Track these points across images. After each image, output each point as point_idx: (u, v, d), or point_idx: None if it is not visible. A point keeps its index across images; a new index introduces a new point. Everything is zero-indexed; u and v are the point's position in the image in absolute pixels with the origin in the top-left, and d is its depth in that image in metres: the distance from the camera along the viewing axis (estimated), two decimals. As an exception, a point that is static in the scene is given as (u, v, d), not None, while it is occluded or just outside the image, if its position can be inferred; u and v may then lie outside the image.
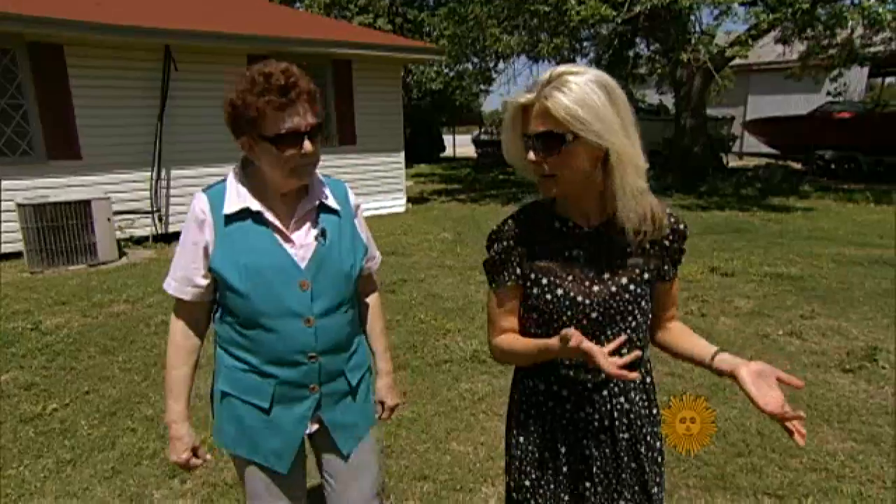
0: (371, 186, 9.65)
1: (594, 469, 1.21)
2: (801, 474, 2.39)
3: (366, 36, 10.06)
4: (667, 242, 1.16)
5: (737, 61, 12.50)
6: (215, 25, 7.82)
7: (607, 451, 1.21)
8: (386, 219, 9.13)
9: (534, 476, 1.25)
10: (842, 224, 7.76)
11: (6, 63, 6.39)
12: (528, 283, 1.18)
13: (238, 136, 1.24)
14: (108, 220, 6.58)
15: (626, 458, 1.21)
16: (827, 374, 3.32)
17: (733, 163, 16.09)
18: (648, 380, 1.25)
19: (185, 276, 1.29)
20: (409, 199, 10.51)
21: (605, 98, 1.01)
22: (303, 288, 1.27)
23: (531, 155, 1.07)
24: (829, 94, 14.48)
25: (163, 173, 7.74)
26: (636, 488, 1.23)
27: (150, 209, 7.69)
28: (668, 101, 14.95)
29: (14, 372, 3.49)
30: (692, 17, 10.64)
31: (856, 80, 17.63)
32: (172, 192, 7.89)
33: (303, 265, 1.28)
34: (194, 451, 1.37)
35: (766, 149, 16.94)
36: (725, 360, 1.10)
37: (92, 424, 2.88)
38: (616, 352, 1.08)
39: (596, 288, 1.13)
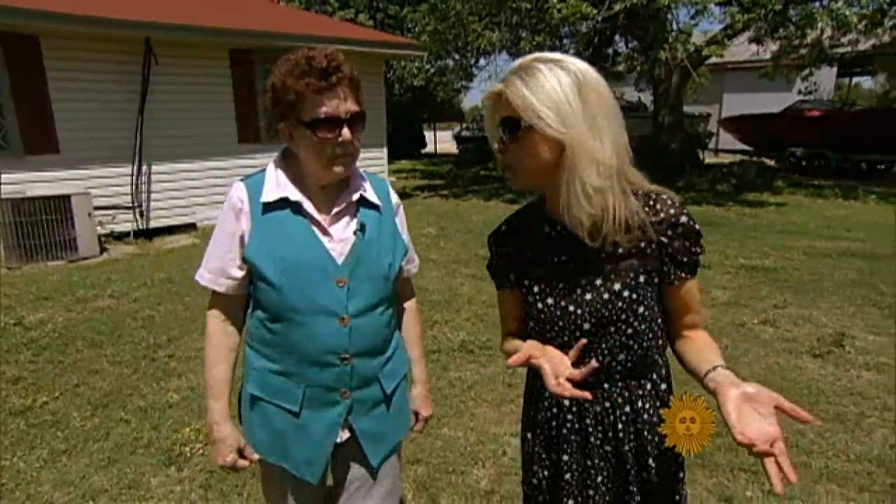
0: (354, 182, 9.66)
1: (598, 479, 1.15)
2: (773, 451, 2.52)
3: (347, 31, 10.06)
4: (664, 239, 1.05)
5: (712, 60, 12.81)
6: (197, 19, 7.75)
7: (612, 461, 1.15)
8: (369, 214, 9.15)
9: (541, 475, 1.22)
10: (812, 218, 8.04)
11: (-20, 55, 6.26)
12: (524, 291, 1.15)
13: (278, 121, 1.19)
14: (89, 215, 6.50)
15: (633, 471, 1.13)
16: (798, 360, 3.49)
17: (709, 159, 16.46)
18: (664, 387, 1.16)
19: (220, 266, 1.25)
20: (392, 195, 10.54)
21: (570, 87, 0.96)
22: (339, 285, 1.22)
23: (496, 144, 1.04)
24: (800, 92, 14.92)
25: (143, 168, 7.65)
26: (646, 501, 1.15)
27: (130, 204, 7.61)
28: (647, 98, 15.23)
29: (1, 366, 3.47)
30: (669, 16, 10.89)
31: (825, 79, 18.17)
32: (153, 187, 7.81)
33: (340, 260, 1.22)
34: (240, 452, 1.30)
35: (741, 145, 17.35)
36: (715, 378, 0.99)
37: (84, 416, 2.89)
38: (611, 359, 1.07)
39: (588, 296, 1.07)
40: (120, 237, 7.47)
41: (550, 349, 1.05)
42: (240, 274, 1.25)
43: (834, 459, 2.46)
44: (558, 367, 1.00)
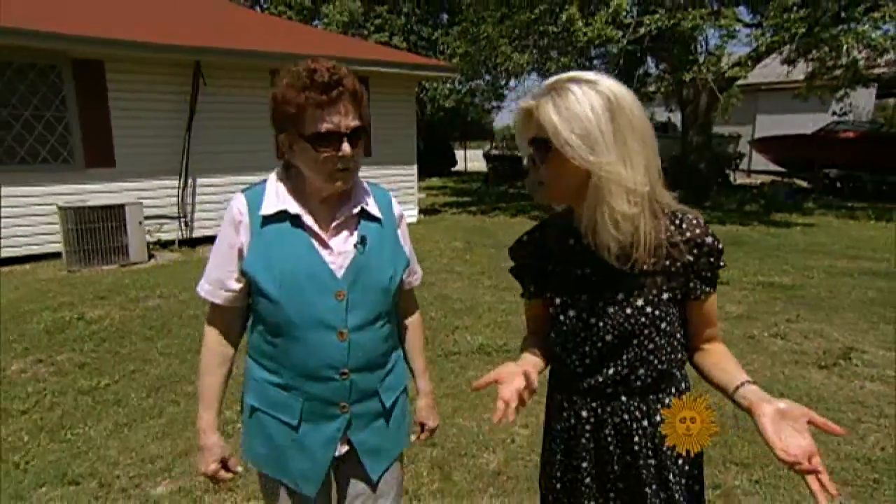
0: (385, 197, 10.06)
1: (620, 485, 1.14)
2: (766, 449, 2.68)
3: (382, 53, 10.56)
4: (690, 258, 1.05)
5: (745, 81, 12.87)
6: (242, 43, 8.34)
7: (631, 476, 1.13)
8: (399, 228, 9.51)
9: (559, 486, 1.21)
10: (839, 239, 8.02)
11: (53, 78, 6.91)
12: (545, 301, 1.15)
13: (278, 132, 1.19)
14: (140, 223, 7.04)
15: (652, 488, 1.11)
16: (804, 370, 3.62)
17: (741, 180, 16.38)
18: None
19: (218, 278, 1.25)
20: (421, 211, 10.91)
21: (603, 111, 0.95)
22: (338, 298, 1.21)
23: (525, 160, 1.07)
24: (834, 113, 14.78)
25: (189, 181, 8.19)
26: None
27: (176, 215, 8.15)
28: (677, 118, 15.33)
29: (68, 353, 3.89)
30: (699, 39, 11.07)
31: (864, 100, 17.91)
32: (198, 199, 8.34)
33: (339, 274, 1.21)
34: (224, 463, 1.30)
35: (774, 167, 17.20)
36: (747, 395, 0.98)
37: (140, 397, 3.26)
38: (630, 372, 1.09)
39: (610, 309, 1.07)
40: (166, 245, 8.00)
41: (517, 372, 1.04)
42: (237, 286, 1.24)
43: (824, 458, 2.60)
44: (514, 389, 0.99)
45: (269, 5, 20.18)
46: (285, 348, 1.22)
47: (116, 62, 7.28)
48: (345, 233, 1.24)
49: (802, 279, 5.81)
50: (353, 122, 1.15)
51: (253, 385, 1.30)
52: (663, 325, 1.07)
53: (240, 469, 1.34)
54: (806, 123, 16.60)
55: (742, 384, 1.01)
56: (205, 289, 1.27)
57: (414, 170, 10.51)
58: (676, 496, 1.11)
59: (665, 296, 1.06)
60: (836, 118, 15.12)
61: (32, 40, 6.47)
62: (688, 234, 1.05)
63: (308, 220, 1.21)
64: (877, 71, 12.36)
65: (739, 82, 12.36)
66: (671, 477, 1.10)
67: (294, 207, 1.20)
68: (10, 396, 3.24)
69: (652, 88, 14.20)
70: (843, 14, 7.99)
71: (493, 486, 2.47)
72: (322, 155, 1.13)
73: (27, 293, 5.49)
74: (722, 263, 1.08)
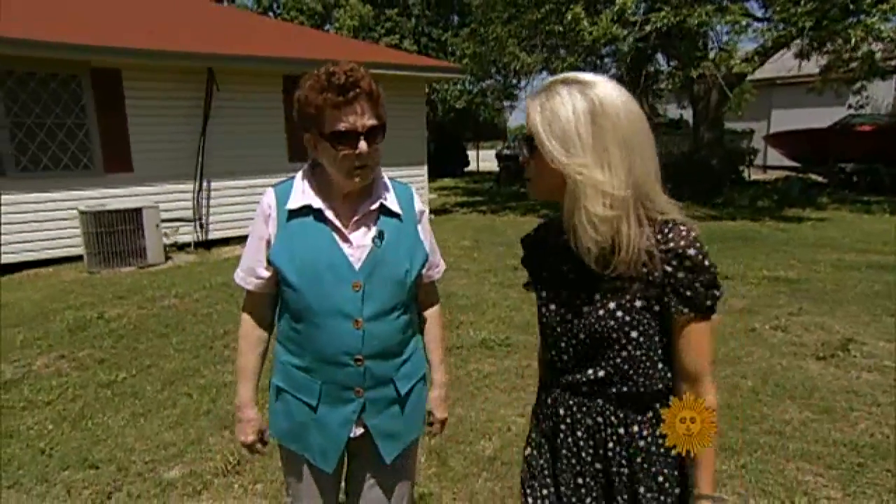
0: (395, 197, 10.21)
1: (588, 501, 1.15)
2: (756, 436, 2.76)
3: (392, 57, 10.70)
4: (668, 268, 1.02)
5: (759, 75, 12.74)
6: (254, 49, 8.54)
7: (602, 481, 1.13)
8: (409, 228, 9.65)
9: (542, 493, 1.22)
10: (849, 233, 7.97)
11: (73, 87, 7.17)
12: (536, 293, 1.20)
13: (304, 132, 1.28)
14: (157, 226, 7.26)
15: (623, 497, 1.10)
16: (801, 361, 3.66)
17: (756, 175, 16.23)
18: None
19: (250, 267, 1.36)
20: (431, 211, 11.03)
21: (584, 115, 0.97)
22: (355, 289, 1.28)
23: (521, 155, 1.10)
24: (850, 107, 14.58)
25: (204, 185, 8.41)
26: None
27: (192, 217, 8.37)
28: (689, 115, 15.24)
29: (89, 350, 4.09)
30: (710, 34, 11.03)
31: (883, 92, 17.62)
32: (212, 202, 8.56)
33: (357, 266, 1.28)
34: (261, 435, 1.44)
35: (790, 162, 17.00)
36: None
37: (156, 389, 3.43)
38: (606, 377, 1.08)
39: (585, 308, 1.08)
40: (182, 247, 8.22)
41: None
42: (266, 274, 1.35)
43: (812, 444, 2.67)
44: None
45: (281, 11, 20.50)
46: (307, 334, 1.31)
47: (133, 70, 7.52)
48: (364, 227, 1.32)
49: (808, 273, 5.81)
50: (370, 122, 1.22)
51: (279, 367, 1.40)
52: (633, 334, 1.06)
53: (272, 441, 1.46)
54: (823, 117, 16.37)
55: (699, 498, 1.06)
56: (239, 276, 1.40)
57: (424, 170, 10.63)
58: None
59: (638, 303, 1.05)
60: (851, 111, 14.91)
61: (56, 52, 6.73)
62: (671, 245, 1.02)
63: (330, 214, 1.29)
64: (895, 63, 12.18)
65: (754, 77, 12.26)
66: (641, 489, 1.08)
67: (317, 202, 1.29)
68: (35, 389, 3.43)
69: (662, 85, 14.15)
70: (851, 6, 7.92)
71: (487, 470, 2.57)
72: (341, 153, 1.21)
73: (50, 294, 5.73)
74: (715, 290, 1.03)
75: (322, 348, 1.30)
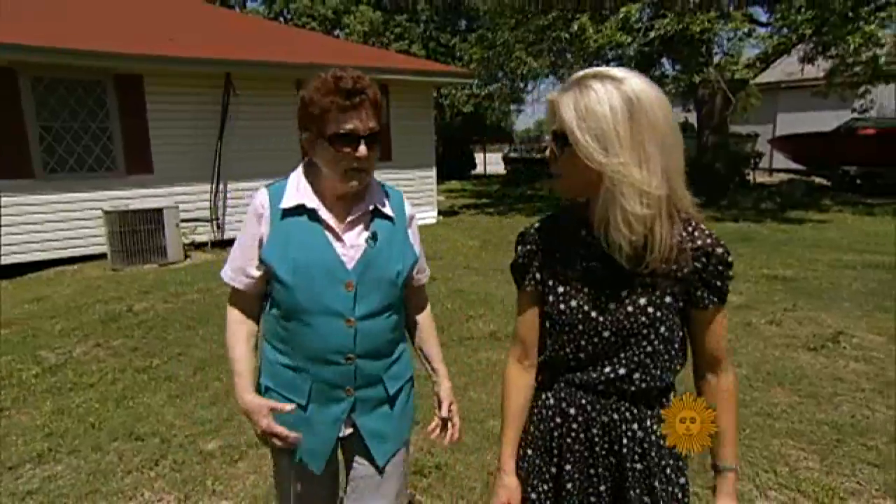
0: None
1: (602, 488, 1.15)
2: (746, 417, 2.98)
3: (401, 62, 10.99)
4: (698, 265, 1.05)
5: (764, 79, 12.89)
6: (269, 55, 8.84)
7: (616, 479, 1.14)
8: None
9: (541, 490, 1.21)
10: (848, 234, 8.15)
11: (98, 93, 7.48)
12: (547, 290, 1.15)
13: (303, 131, 1.29)
14: (177, 225, 7.56)
15: (636, 491, 1.12)
16: (793, 353, 3.88)
17: (761, 178, 16.38)
18: None
19: (240, 266, 1.36)
20: (439, 212, 11.28)
21: (622, 111, 0.95)
22: (347, 288, 1.30)
23: (547, 150, 1.08)
24: (854, 110, 14.73)
25: (221, 186, 8.71)
26: None
27: (209, 217, 8.67)
28: (694, 118, 15.43)
29: (122, 339, 4.37)
30: (714, 40, 11.24)
31: (888, 96, 17.73)
32: (229, 202, 8.85)
33: (350, 266, 1.30)
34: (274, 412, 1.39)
35: (795, 165, 17.14)
36: (719, 484, 1.13)
37: (188, 374, 3.70)
38: (626, 373, 1.09)
39: (611, 305, 1.07)
40: (199, 246, 8.51)
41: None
42: (257, 274, 1.35)
43: (797, 423, 2.90)
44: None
45: (292, 16, 20.87)
46: (296, 332, 1.32)
47: (154, 76, 7.84)
48: (358, 228, 1.34)
49: (805, 272, 6.01)
50: (372, 125, 1.26)
51: (266, 366, 1.41)
52: (662, 329, 1.07)
53: (289, 407, 1.36)
54: (829, 121, 16.49)
55: (723, 470, 1.12)
56: (227, 274, 1.39)
57: (433, 173, 10.89)
58: (660, 503, 1.13)
59: (668, 299, 1.06)
60: (855, 115, 15.05)
61: (82, 59, 7.06)
62: (699, 243, 1.05)
63: (324, 214, 1.31)
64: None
65: (759, 81, 12.43)
66: (657, 483, 1.11)
67: (312, 202, 1.31)
68: (78, 373, 3.71)
69: (667, 89, 14.35)
70: (850, 14, 8.12)
71: (496, 445, 2.80)
72: (340, 154, 1.24)
73: (79, 289, 6.02)
74: (731, 275, 1.09)
75: (312, 347, 1.31)
